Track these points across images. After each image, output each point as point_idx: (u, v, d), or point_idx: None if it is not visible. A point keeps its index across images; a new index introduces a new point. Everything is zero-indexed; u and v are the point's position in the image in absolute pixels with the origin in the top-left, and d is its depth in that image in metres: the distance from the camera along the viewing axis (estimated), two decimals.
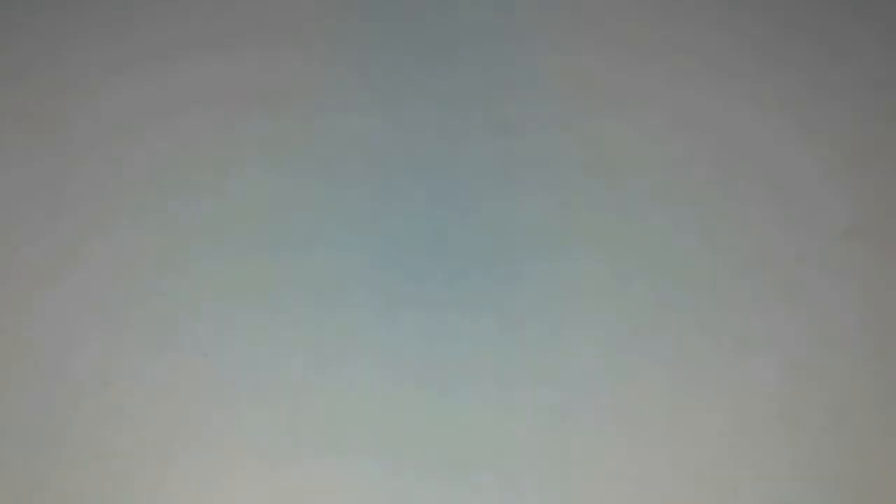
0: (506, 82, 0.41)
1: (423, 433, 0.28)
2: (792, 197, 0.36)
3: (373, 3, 0.45)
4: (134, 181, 0.36)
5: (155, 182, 0.36)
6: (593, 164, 0.37)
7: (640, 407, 0.29)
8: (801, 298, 0.33)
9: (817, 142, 0.38)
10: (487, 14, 0.44)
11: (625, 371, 0.30)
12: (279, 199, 0.36)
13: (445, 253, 0.34)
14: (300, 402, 0.29)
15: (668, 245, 0.34)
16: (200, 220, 0.35)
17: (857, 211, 0.35)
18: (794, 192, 0.36)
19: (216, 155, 0.37)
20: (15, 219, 0.35)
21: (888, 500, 0.28)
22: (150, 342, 0.31)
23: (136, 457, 0.28)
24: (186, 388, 0.30)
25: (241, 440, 0.28)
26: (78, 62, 0.42)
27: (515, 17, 0.44)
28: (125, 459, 0.28)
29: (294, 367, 0.30)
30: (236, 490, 0.28)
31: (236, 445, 0.28)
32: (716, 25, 0.44)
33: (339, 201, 0.36)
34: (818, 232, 0.35)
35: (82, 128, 0.38)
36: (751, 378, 0.30)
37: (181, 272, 0.33)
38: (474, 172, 0.37)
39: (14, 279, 0.33)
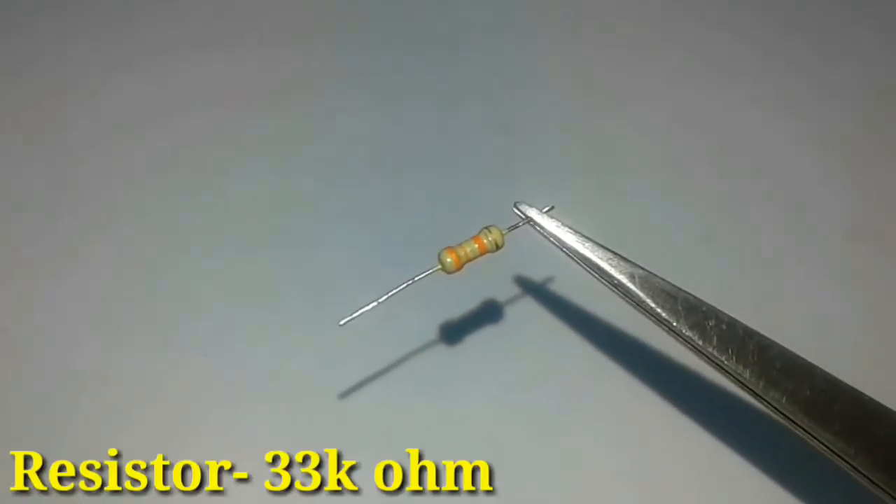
0: (506, 82, 0.41)
1: (422, 432, 0.28)
2: (792, 199, 0.36)
3: (373, 3, 0.45)
4: (133, 181, 0.36)
5: (155, 182, 0.36)
6: (593, 164, 0.37)
7: (640, 408, 0.29)
8: (802, 299, 0.33)
9: (817, 142, 0.38)
10: (488, 14, 0.44)
11: (625, 371, 0.30)
12: (279, 198, 0.36)
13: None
14: (300, 402, 0.29)
15: (668, 245, 0.34)
16: (200, 221, 0.35)
17: (857, 213, 0.35)
18: (795, 194, 0.36)
19: (216, 155, 0.37)
20: (15, 219, 0.35)
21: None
22: (150, 342, 0.31)
23: (135, 455, 0.28)
24: (186, 388, 0.30)
25: (241, 440, 0.28)
26: (78, 62, 0.42)
27: (515, 17, 0.44)
28: (124, 458, 0.28)
29: (293, 367, 0.30)
30: (235, 490, 0.28)
31: (236, 445, 0.28)
32: (716, 26, 0.44)
33: (339, 201, 0.36)
34: (819, 234, 0.35)
35: (82, 128, 0.38)
36: None
37: (181, 272, 0.33)
38: (474, 172, 0.37)
39: (14, 279, 0.33)
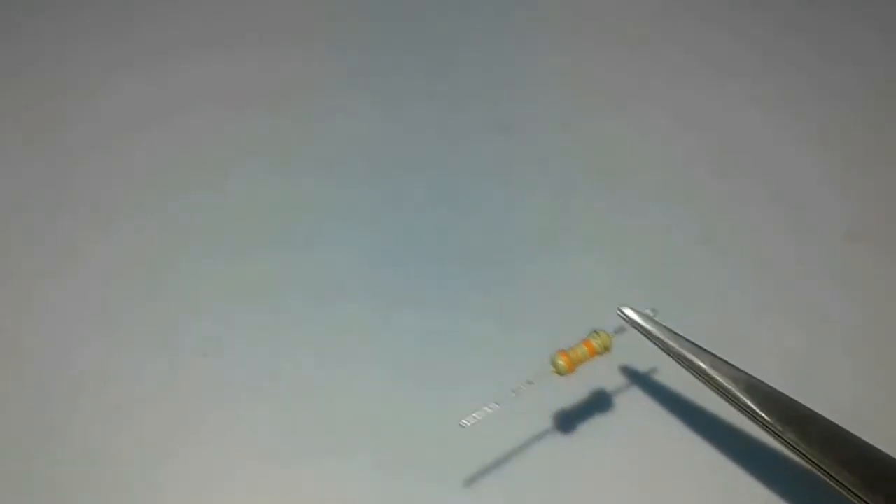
0: (506, 82, 0.41)
1: (421, 434, 0.29)
2: (792, 199, 0.36)
3: (373, 3, 0.45)
4: (133, 181, 0.36)
5: (155, 182, 0.36)
6: (593, 164, 0.37)
7: (639, 410, 0.29)
8: (802, 299, 0.33)
9: (817, 142, 0.38)
10: (488, 14, 0.44)
11: (623, 374, 0.30)
12: (279, 198, 0.36)
13: (445, 253, 0.34)
14: (300, 402, 0.29)
15: (668, 245, 0.34)
16: (200, 220, 0.35)
17: (857, 213, 0.35)
18: (795, 194, 0.36)
19: (216, 155, 0.37)
20: (15, 219, 0.35)
21: None
22: (150, 342, 0.31)
23: (135, 455, 0.28)
24: (186, 387, 0.30)
25: (241, 440, 0.28)
26: (78, 62, 0.42)
27: (515, 17, 0.44)
28: (124, 458, 0.28)
29: (293, 367, 0.30)
30: (235, 490, 0.28)
31: (236, 445, 0.28)
32: (716, 25, 0.44)
33: (339, 201, 0.36)
34: (819, 234, 0.35)
35: (82, 128, 0.38)
36: None
37: (181, 272, 0.33)
38: (474, 172, 0.37)
39: (14, 279, 0.33)
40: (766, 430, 0.23)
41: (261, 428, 0.29)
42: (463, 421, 0.24)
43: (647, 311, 0.26)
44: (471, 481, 0.28)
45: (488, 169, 0.37)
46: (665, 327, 0.25)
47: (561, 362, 0.25)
